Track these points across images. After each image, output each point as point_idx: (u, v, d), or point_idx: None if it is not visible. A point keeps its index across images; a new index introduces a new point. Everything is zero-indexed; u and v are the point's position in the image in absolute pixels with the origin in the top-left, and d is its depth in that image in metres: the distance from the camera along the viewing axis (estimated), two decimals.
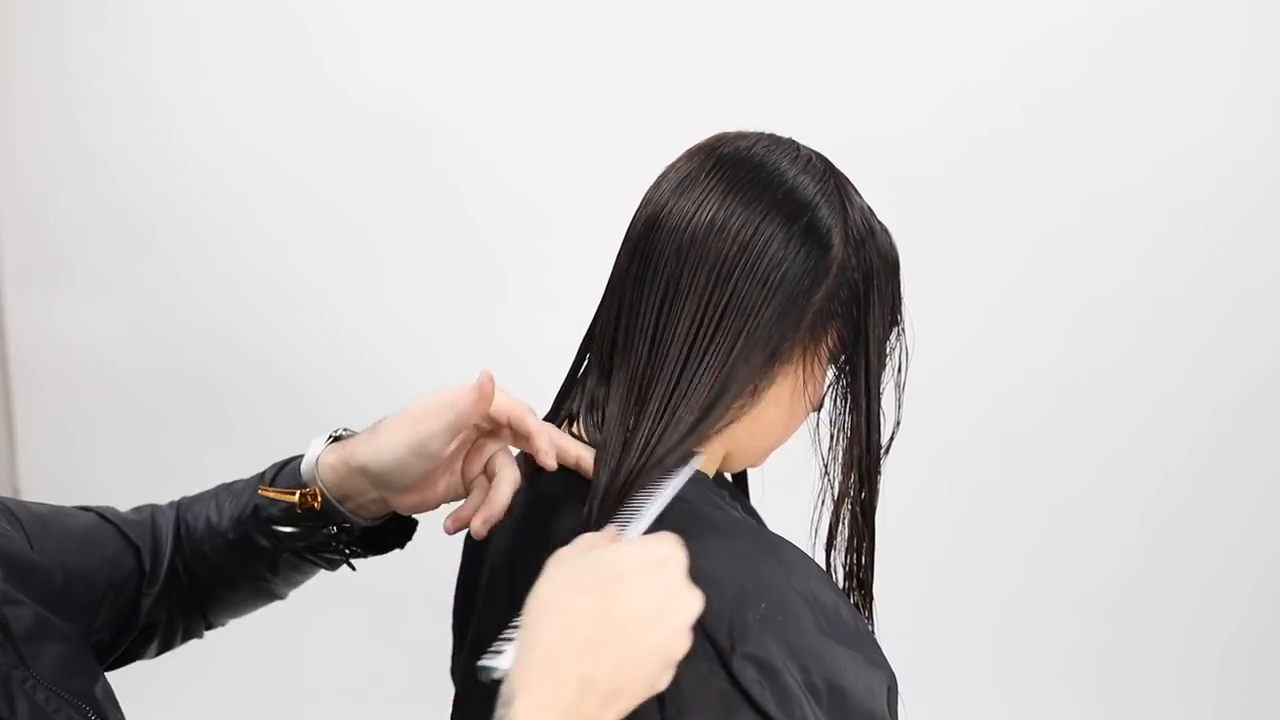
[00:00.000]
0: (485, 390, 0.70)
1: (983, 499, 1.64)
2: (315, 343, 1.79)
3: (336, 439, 0.80)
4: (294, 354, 1.80)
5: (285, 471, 0.83)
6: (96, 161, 1.82)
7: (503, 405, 0.71)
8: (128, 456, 1.90)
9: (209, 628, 0.89)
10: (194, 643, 0.91)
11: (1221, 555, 1.62)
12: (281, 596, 0.89)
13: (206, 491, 0.88)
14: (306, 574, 0.86)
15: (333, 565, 0.84)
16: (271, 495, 0.80)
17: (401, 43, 1.65)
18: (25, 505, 0.80)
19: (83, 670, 0.71)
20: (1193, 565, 1.63)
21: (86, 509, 0.85)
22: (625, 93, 1.59)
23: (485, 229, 1.69)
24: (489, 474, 0.75)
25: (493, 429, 0.74)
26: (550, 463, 0.70)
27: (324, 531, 0.80)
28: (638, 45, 1.58)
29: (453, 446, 0.73)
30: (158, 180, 1.79)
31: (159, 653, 0.87)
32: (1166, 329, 1.56)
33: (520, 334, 1.62)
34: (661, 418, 0.66)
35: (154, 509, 0.88)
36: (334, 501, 0.79)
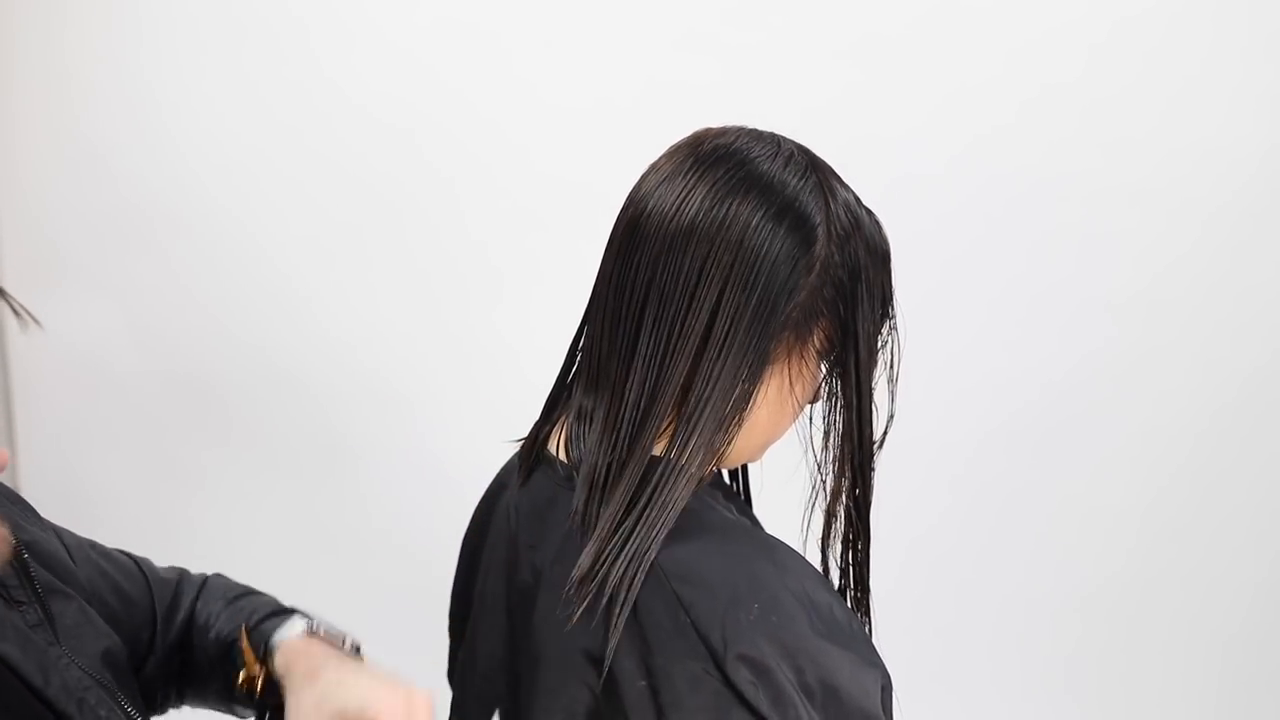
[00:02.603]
0: None
1: (983, 499, 1.64)
2: (315, 343, 1.78)
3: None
4: (293, 354, 1.80)
5: (272, 622, 0.82)
6: (96, 161, 1.82)
7: None
8: (127, 456, 1.90)
9: (174, 706, 0.88)
10: None
11: (1222, 555, 1.62)
12: None
13: (233, 586, 0.88)
14: None
15: None
16: (242, 647, 0.80)
17: (400, 44, 1.65)
18: (69, 531, 0.82)
19: (120, 664, 0.73)
20: (1193, 565, 1.63)
21: (125, 553, 0.86)
22: (624, 93, 1.59)
23: (486, 231, 1.69)
24: None
25: None
26: None
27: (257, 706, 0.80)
28: (636, 45, 1.58)
29: None
30: (157, 180, 1.79)
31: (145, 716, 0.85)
32: (1166, 329, 1.55)
33: (518, 335, 1.62)
34: (643, 426, 0.65)
35: (182, 575, 0.88)
36: (281, 686, 0.77)
